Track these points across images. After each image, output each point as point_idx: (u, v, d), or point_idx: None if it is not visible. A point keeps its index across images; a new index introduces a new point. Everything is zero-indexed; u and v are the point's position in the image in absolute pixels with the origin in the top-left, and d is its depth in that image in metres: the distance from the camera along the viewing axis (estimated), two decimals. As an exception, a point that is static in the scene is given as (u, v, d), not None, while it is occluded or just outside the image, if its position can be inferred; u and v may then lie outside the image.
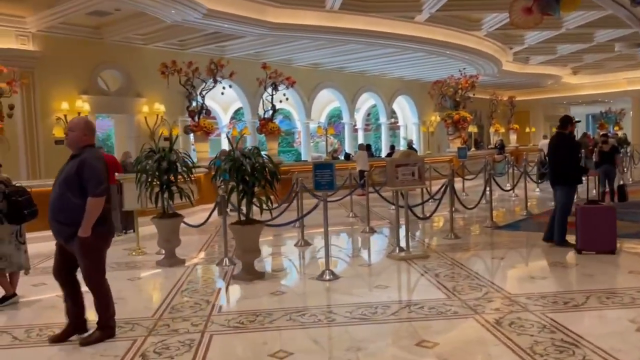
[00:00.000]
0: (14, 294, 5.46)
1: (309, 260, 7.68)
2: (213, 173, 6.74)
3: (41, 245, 8.81)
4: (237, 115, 23.83)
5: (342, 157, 19.10)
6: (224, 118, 23.41)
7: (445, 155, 20.26)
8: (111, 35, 14.35)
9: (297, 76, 18.34)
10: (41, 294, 5.86)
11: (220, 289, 5.80)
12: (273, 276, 6.34)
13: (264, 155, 6.08)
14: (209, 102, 22.65)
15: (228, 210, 6.49)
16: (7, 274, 5.43)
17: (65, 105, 13.49)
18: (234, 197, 6.22)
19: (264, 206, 6.14)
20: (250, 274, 6.15)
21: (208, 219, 7.68)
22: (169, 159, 6.85)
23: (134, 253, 8.01)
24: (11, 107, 9.22)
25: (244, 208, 6.12)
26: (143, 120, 15.24)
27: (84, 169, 4.16)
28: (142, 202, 7.42)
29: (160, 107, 15.41)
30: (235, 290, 5.78)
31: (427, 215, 9.02)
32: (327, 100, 24.11)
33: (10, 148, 11.51)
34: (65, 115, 13.44)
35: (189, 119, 13.21)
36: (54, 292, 5.83)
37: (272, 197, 6.20)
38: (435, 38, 16.50)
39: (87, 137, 4.33)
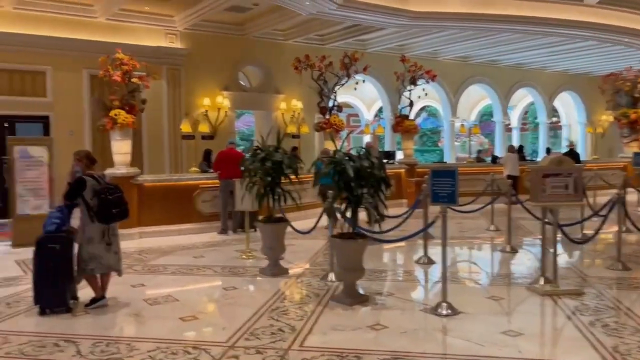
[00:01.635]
0: (103, 297, 5.22)
1: (427, 283, 6.55)
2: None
3: (156, 239, 8.98)
4: (380, 112, 23.01)
5: (490, 160, 17.23)
6: (367, 115, 22.75)
7: (617, 161, 17.27)
8: (252, 32, 14.40)
9: (444, 70, 16.95)
10: (135, 295, 5.60)
11: (312, 313, 4.98)
12: (377, 302, 5.36)
13: (369, 158, 5.11)
14: (351, 99, 22.37)
15: (330, 221, 5.63)
16: (98, 276, 5.21)
17: (207, 101, 13.81)
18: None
19: (375, 216, 5.19)
20: (351, 297, 5.25)
21: (315, 226, 6.93)
22: (273, 159, 6.21)
23: (243, 256, 7.59)
24: (143, 102, 9.41)
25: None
26: (281, 117, 15.11)
27: None
28: (251, 203, 6.92)
29: (297, 104, 15.16)
30: (329, 316, 4.91)
31: (587, 236, 7.24)
32: (479, 97, 22.13)
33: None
34: (206, 111, 13.80)
35: (321, 116, 12.65)
36: (147, 295, 5.57)
37: (380, 206, 5.23)
38: (609, 23, 13.94)
39: None
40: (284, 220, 6.59)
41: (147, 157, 13.41)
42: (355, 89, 13.69)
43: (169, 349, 4.08)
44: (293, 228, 6.80)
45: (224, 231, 9.56)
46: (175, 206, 9.57)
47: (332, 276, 6.10)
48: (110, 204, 4.98)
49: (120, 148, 9.10)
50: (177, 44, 13.81)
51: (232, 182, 8.45)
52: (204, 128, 12.35)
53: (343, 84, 12.46)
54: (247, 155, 6.65)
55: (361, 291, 5.47)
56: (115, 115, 8.84)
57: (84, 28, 12.36)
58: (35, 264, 4.96)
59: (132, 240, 8.81)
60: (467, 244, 8.89)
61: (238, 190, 7.46)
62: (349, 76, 12.16)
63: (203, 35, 14.01)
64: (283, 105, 15.12)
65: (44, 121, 12.25)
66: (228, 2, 11.96)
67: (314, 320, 4.77)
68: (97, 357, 3.96)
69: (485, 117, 24.11)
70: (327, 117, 12.30)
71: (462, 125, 18.36)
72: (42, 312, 4.95)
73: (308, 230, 6.95)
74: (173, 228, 9.44)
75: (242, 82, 15.38)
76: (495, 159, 16.13)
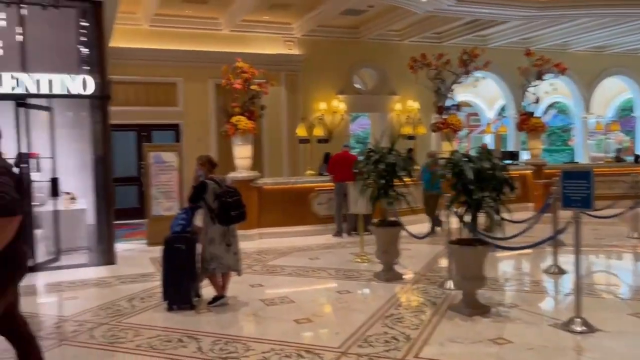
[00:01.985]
0: (223, 296, 5.43)
1: (557, 296, 5.99)
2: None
3: (274, 240, 9.21)
4: (503, 110, 21.81)
5: (632, 159, 15.50)
6: (488, 113, 21.68)
7: None
8: (367, 34, 14.37)
9: (575, 63, 15.60)
10: (253, 295, 5.76)
11: (428, 322, 4.75)
12: (500, 314, 4.98)
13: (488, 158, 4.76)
14: (471, 97, 21.46)
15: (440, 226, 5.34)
16: (219, 275, 5.43)
17: (323, 105, 14.03)
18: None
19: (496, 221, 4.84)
20: (470, 307, 4.93)
21: (432, 231, 6.65)
22: (386, 161, 6.06)
23: (358, 259, 7.53)
24: (262, 108, 9.75)
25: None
26: (396, 118, 14.90)
27: None
28: (365, 205, 6.84)
29: (413, 105, 14.85)
30: (447, 326, 4.65)
31: None
32: (616, 91, 20.09)
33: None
34: (322, 115, 14.02)
35: (438, 116, 12.22)
36: (265, 295, 5.70)
37: (502, 210, 4.86)
38: None
39: None
40: (398, 224, 6.41)
41: (267, 160, 13.94)
42: (474, 86, 13.04)
43: (283, 352, 4.11)
44: (408, 232, 6.60)
45: (338, 234, 9.59)
46: (292, 208, 9.78)
47: (450, 284, 5.81)
48: (230, 207, 5.17)
49: (242, 152, 9.50)
50: (295, 51, 14.19)
51: (346, 185, 8.44)
52: (319, 132, 12.50)
53: (461, 82, 11.93)
54: (361, 158, 6.56)
55: (482, 301, 5.13)
56: (237, 121, 9.24)
57: (210, 40, 13.15)
58: (163, 263, 5.30)
59: (252, 241, 9.15)
60: (604, 253, 8.03)
61: (352, 192, 7.41)
62: (467, 73, 11.62)
63: (319, 41, 14.25)
64: (398, 106, 14.89)
65: (175, 129, 13.23)
66: (344, 5, 12.04)
67: (430, 330, 4.55)
68: (216, 355, 4.10)
69: (625, 113, 21.80)
70: (444, 116, 11.85)
71: (598, 122, 16.74)
72: (169, 308, 5.27)
73: (424, 234, 6.70)
74: (290, 230, 9.65)
75: (357, 85, 15.41)
76: (638, 158, 14.49)
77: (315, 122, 13.46)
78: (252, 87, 9.33)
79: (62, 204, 9.04)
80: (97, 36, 7.50)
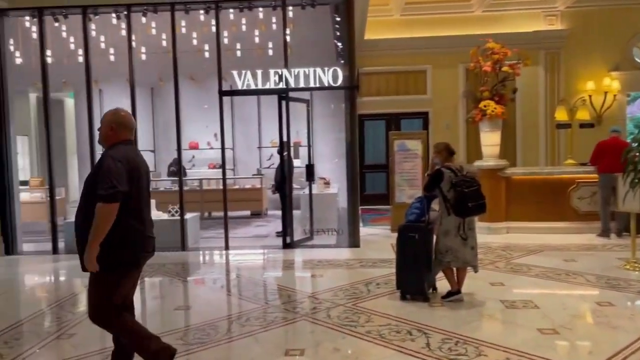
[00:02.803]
0: (459, 291, 5.13)
1: None
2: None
3: (523, 236, 8.38)
4: None
5: None
6: None
7: None
8: (649, -2, 12.00)
9: None
10: (492, 294, 5.31)
11: None
12: None
13: None
14: None
15: None
16: (454, 269, 5.15)
17: (590, 85, 12.29)
18: None
19: None
20: None
21: None
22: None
23: (627, 266, 6.33)
24: (514, 91, 8.94)
25: None
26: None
27: (99, 169, 3.14)
28: (638, 202, 5.67)
29: None
30: None
31: None
32: None
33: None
34: (590, 96, 12.28)
35: None
36: (505, 296, 5.20)
37: None
38: None
39: (113, 133, 3.29)
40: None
41: (521, 148, 12.88)
42: None
43: (519, 363, 3.65)
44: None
45: (604, 233, 8.25)
46: (546, 202, 8.77)
47: None
48: (467, 197, 4.83)
49: (489, 140, 8.91)
50: (557, 25, 12.70)
51: (614, 177, 7.14)
52: (583, 115, 10.93)
53: None
54: (633, 145, 5.44)
55: None
56: (485, 106, 8.68)
57: (460, 24, 12.66)
58: (397, 251, 5.26)
59: (498, 235, 8.54)
60: None
61: (620, 186, 6.23)
62: None
63: (588, 12, 12.48)
64: (694, 81, 12.08)
65: (424, 117, 13.20)
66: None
67: None
68: (444, 354, 3.86)
69: None
70: None
71: None
72: (403, 297, 5.21)
73: None
74: (542, 225, 8.68)
75: (638, 59, 13.02)
76: None
77: (578, 105, 11.83)
78: (504, 69, 8.62)
79: (317, 188, 9.88)
80: (348, 30, 7.85)
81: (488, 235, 8.39)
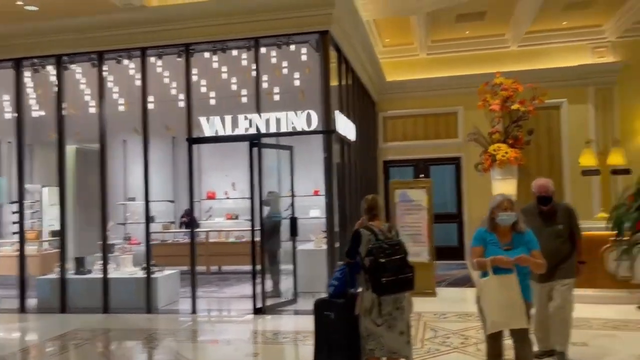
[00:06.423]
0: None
1: None
2: None
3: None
4: None
5: None
6: None
7: None
8: None
9: None
10: None
11: None
12: None
13: None
14: None
15: None
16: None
17: (651, 124, 10.58)
18: None
19: None
20: None
21: None
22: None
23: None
24: (529, 132, 7.66)
25: None
26: None
27: None
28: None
29: None
30: None
31: None
32: None
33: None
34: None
35: None
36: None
37: None
38: None
39: None
40: None
41: (571, 198, 11.15)
42: None
43: None
44: None
45: (647, 306, 6.60)
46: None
47: None
48: (380, 269, 3.74)
49: (502, 189, 7.62)
50: (608, 58, 11.17)
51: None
52: (617, 160, 9.22)
53: None
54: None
55: None
56: (495, 150, 7.48)
57: (494, 61, 11.48)
58: (314, 330, 4.23)
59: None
60: None
61: None
62: None
63: (643, 41, 10.89)
64: None
65: (456, 162, 11.97)
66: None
67: None
68: None
69: None
70: None
71: None
72: (321, 390, 4.13)
73: None
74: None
75: None
76: None
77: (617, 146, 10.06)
78: (514, 107, 7.43)
79: (313, 243, 8.99)
80: (324, 69, 7.08)
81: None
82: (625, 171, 9.37)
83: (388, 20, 10.37)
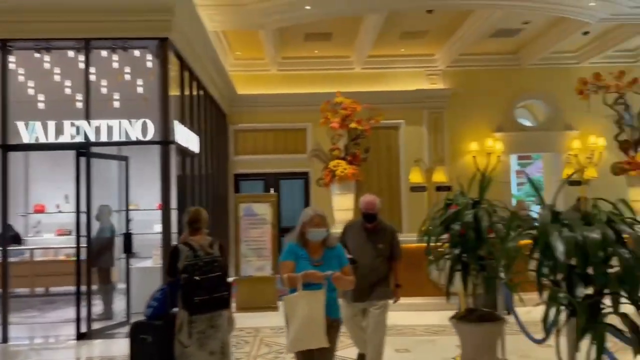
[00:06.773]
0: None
1: None
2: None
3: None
4: None
5: None
6: None
7: None
8: (529, 58, 11.79)
9: None
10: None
11: None
12: None
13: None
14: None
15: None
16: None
17: (474, 146, 11.75)
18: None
19: None
20: None
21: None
22: (465, 219, 3.89)
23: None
24: (366, 150, 8.09)
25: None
26: (574, 159, 11.76)
27: None
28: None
29: (597, 141, 11.58)
30: None
31: None
32: None
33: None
34: (474, 157, 11.70)
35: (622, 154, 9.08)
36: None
37: None
38: None
39: None
40: (497, 319, 4.10)
41: (407, 213, 11.96)
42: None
43: None
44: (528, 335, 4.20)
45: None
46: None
47: None
48: (193, 287, 3.59)
49: (341, 203, 7.92)
50: (440, 85, 12.26)
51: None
52: (439, 177, 10.18)
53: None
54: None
55: None
56: (334, 166, 7.74)
57: (342, 81, 11.81)
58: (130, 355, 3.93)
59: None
60: None
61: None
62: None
63: (469, 72, 12.12)
64: (576, 144, 11.76)
65: (304, 177, 12.21)
66: (491, 26, 9.87)
67: None
68: None
69: None
70: (632, 154, 8.69)
71: None
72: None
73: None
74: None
75: (520, 121, 12.70)
76: None
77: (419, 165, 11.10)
78: (351, 125, 7.77)
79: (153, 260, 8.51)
80: (162, 77, 6.77)
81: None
82: (447, 188, 10.31)
83: (238, 33, 10.31)
